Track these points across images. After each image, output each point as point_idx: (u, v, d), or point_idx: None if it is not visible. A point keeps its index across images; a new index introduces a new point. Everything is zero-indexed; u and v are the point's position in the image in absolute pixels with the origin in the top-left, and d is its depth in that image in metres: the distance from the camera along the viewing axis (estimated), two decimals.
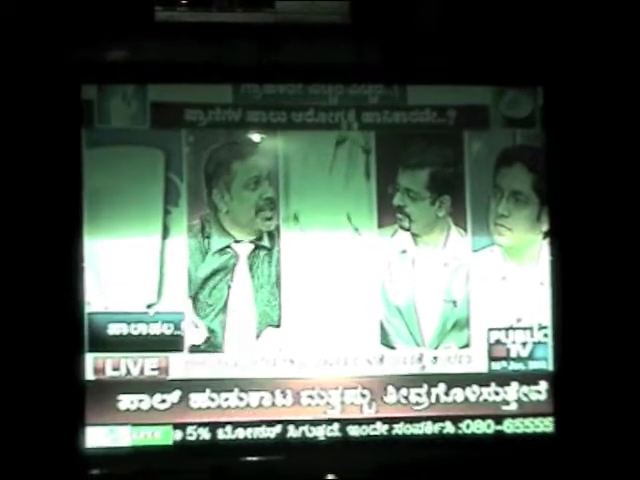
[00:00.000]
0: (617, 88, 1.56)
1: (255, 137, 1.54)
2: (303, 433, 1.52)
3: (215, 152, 1.53)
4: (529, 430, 1.55)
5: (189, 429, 1.50)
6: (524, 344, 1.55)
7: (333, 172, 1.54)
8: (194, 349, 1.51)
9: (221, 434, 1.51)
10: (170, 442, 1.50)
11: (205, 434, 1.51)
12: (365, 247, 1.54)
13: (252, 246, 1.52)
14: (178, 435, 1.50)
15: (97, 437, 1.48)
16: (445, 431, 1.54)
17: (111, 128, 1.51)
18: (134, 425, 1.49)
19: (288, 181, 1.53)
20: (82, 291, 1.48)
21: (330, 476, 1.50)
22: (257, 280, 1.52)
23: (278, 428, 1.52)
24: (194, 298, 1.51)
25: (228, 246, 1.52)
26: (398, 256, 1.54)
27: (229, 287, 1.52)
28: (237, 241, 1.52)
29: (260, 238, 1.53)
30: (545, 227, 1.56)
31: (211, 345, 1.51)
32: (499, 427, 1.55)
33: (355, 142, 1.55)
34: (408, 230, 1.55)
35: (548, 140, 1.56)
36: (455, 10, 1.59)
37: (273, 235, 1.53)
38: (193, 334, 1.51)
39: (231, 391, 1.51)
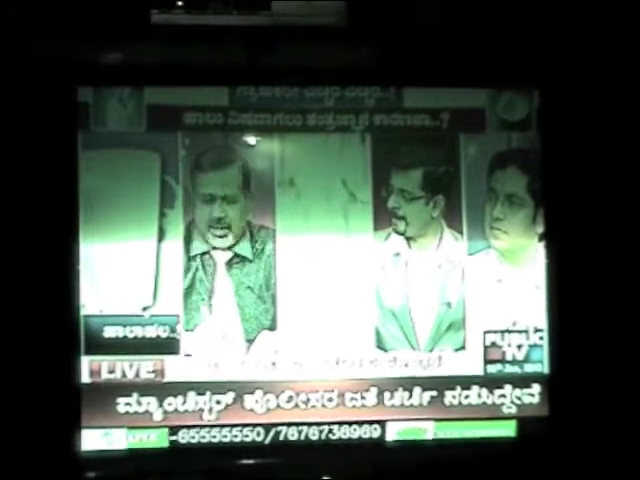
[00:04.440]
0: (614, 91, 1.56)
1: (250, 140, 1.54)
2: (299, 435, 1.52)
3: (201, 155, 1.52)
4: (525, 433, 1.55)
5: (185, 432, 1.50)
6: (520, 347, 1.55)
7: (329, 174, 1.54)
8: (190, 352, 1.51)
9: (217, 437, 1.51)
10: (166, 445, 1.50)
11: (201, 437, 1.51)
12: (360, 250, 1.54)
13: (229, 252, 1.52)
14: (174, 438, 1.50)
15: (93, 440, 1.48)
16: (441, 434, 1.54)
17: (107, 131, 1.51)
18: (130, 428, 1.49)
19: (283, 184, 1.53)
20: (77, 294, 1.48)
21: (326, 478, 1.50)
22: (241, 284, 1.52)
23: (274, 430, 1.52)
24: (188, 301, 1.51)
25: (207, 252, 1.52)
26: (391, 259, 1.54)
27: (214, 291, 1.51)
28: (215, 247, 1.52)
29: (237, 245, 1.52)
30: (541, 230, 1.56)
31: (207, 348, 1.51)
32: (495, 429, 1.55)
33: (351, 145, 1.55)
34: (403, 234, 1.54)
35: (544, 143, 1.56)
36: (452, 13, 1.58)
37: (256, 242, 1.52)
38: (188, 337, 1.51)
39: (227, 394, 1.51)
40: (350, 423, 1.53)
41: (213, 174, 1.53)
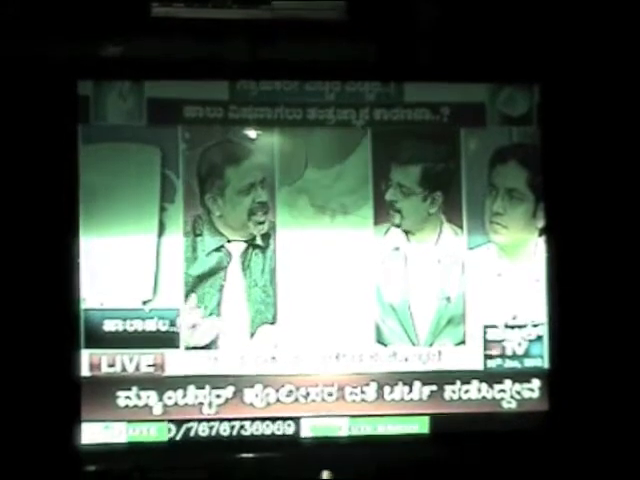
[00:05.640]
0: (615, 85, 1.56)
1: (251, 134, 1.54)
2: (299, 430, 1.52)
3: (207, 151, 1.52)
4: (524, 428, 1.54)
5: (185, 425, 1.50)
6: (520, 341, 1.55)
7: (329, 169, 1.54)
8: (190, 346, 1.51)
9: (217, 431, 1.51)
10: (165, 438, 1.50)
11: (201, 431, 1.51)
12: (360, 245, 1.54)
13: (245, 245, 1.52)
14: (173, 432, 1.50)
15: (92, 433, 1.49)
16: (441, 429, 1.54)
17: (107, 124, 1.51)
18: (130, 421, 1.49)
19: (282, 177, 1.53)
20: (77, 287, 1.48)
21: (326, 473, 1.50)
22: (251, 278, 1.52)
23: (274, 425, 1.52)
24: (189, 295, 1.51)
25: (221, 246, 1.52)
26: (391, 253, 1.54)
27: (223, 285, 1.51)
28: (230, 241, 1.52)
29: (253, 238, 1.52)
30: (541, 224, 1.56)
31: (207, 342, 1.51)
32: (495, 424, 1.55)
33: (351, 139, 1.55)
34: (399, 227, 1.54)
35: (544, 138, 1.56)
36: (452, 7, 1.59)
37: (266, 235, 1.53)
38: (189, 331, 1.51)
39: (227, 388, 1.51)
40: (351, 418, 1.52)
41: (248, 162, 1.53)
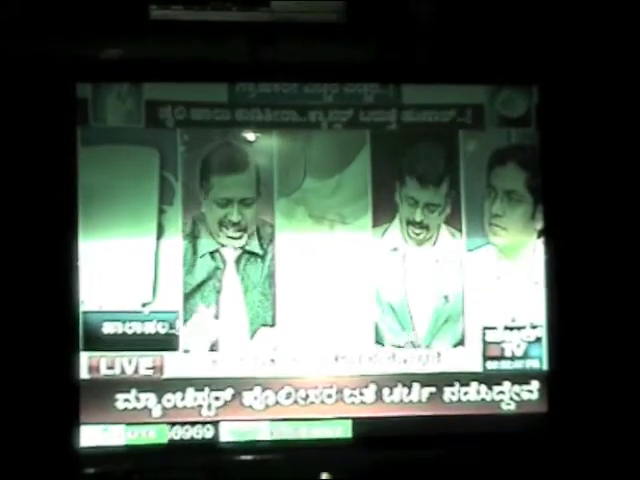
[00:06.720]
0: (614, 87, 1.57)
1: (250, 136, 1.53)
2: (298, 431, 1.52)
3: (205, 154, 1.52)
4: (523, 429, 1.55)
5: (184, 428, 1.50)
6: (519, 343, 1.55)
7: (328, 178, 1.54)
8: (189, 348, 1.51)
9: (216, 433, 1.51)
10: (165, 441, 1.50)
11: (200, 433, 1.50)
12: (358, 246, 1.54)
13: (240, 250, 1.52)
14: (173, 434, 1.50)
15: (91, 436, 1.48)
16: (440, 430, 1.54)
17: (106, 127, 1.51)
18: (128, 424, 1.49)
19: (282, 180, 1.53)
20: (77, 290, 1.47)
21: (325, 475, 1.50)
22: (249, 280, 1.52)
23: (273, 426, 1.52)
24: (188, 297, 1.51)
25: (217, 250, 1.52)
26: (389, 254, 1.54)
27: (222, 288, 1.51)
28: (224, 245, 1.52)
29: (247, 243, 1.52)
30: (540, 226, 1.56)
31: (206, 344, 1.51)
32: (494, 426, 1.55)
33: (350, 141, 1.55)
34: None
35: (543, 139, 1.56)
36: (450, 9, 1.59)
37: (262, 238, 1.52)
38: (188, 333, 1.51)
39: (226, 390, 1.51)
40: (350, 420, 1.52)
41: (230, 177, 1.52)
